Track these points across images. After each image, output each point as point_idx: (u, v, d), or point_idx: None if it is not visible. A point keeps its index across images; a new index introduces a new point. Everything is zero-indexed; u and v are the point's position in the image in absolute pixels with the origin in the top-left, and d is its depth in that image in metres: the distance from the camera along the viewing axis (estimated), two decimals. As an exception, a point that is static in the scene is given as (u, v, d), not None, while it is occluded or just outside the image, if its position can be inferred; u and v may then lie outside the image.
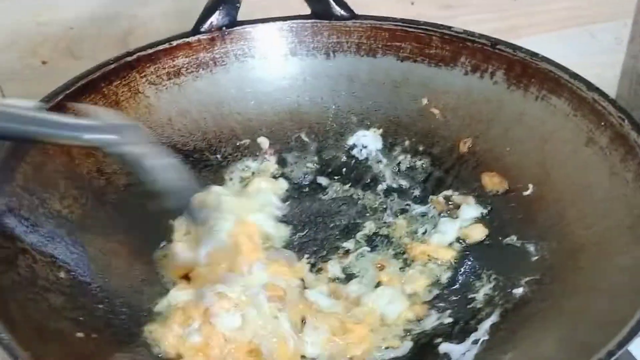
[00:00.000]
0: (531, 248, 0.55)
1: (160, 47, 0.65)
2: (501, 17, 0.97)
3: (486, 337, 0.49)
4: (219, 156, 0.67)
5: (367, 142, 0.68)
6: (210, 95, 0.68)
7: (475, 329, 0.50)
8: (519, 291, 0.52)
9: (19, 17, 0.76)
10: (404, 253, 0.59)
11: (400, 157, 0.67)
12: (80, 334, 0.44)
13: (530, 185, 0.59)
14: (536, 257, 0.54)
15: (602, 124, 0.55)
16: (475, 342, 0.48)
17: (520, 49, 0.64)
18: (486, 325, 0.49)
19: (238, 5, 0.68)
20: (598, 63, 1.03)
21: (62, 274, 0.48)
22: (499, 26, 0.93)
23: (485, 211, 0.61)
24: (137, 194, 0.59)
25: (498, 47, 0.64)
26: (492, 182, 0.62)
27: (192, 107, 0.67)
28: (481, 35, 0.66)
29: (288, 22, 0.70)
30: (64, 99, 0.58)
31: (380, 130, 0.69)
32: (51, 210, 0.52)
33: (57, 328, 0.43)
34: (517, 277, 0.53)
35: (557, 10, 0.98)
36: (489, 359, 0.47)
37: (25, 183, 0.51)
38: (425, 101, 0.68)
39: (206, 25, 0.68)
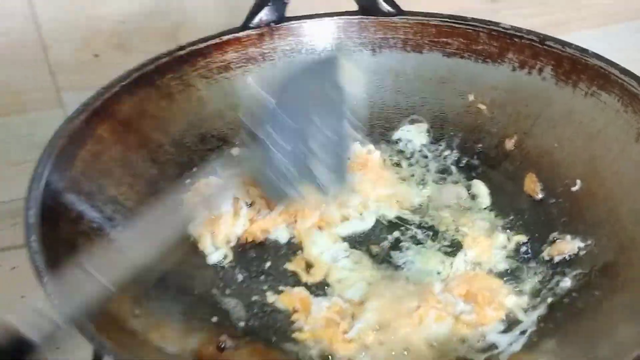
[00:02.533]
0: (580, 243, 0.54)
1: (211, 42, 0.67)
2: (546, 11, 0.96)
3: (533, 329, 0.49)
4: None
5: (412, 137, 0.68)
6: (259, 89, 0.68)
7: (523, 320, 0.49)
8: (566, 284, 0.51)
9: (73, 10, 0.79)
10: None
11: (446, 153, 0.67)
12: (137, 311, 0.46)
13: (578, 181, 0.58)
14: (584, 252, 0.53)
15: (654, 120, 0.55)
16: (523, 332, 0.48)
17: (569, 45, 0.63)
18: (533, 316, 0.49)
19: (286, 1, 0.69)
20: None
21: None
22: (543, 21, 0.93)
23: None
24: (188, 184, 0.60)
25: (547, 43, 0.64)
26: (530, 187, 0.61)
27: (241, 101, 0.67)
28: (529, 32, 0.66)
29: (335, 18, 0.71)
30: (119, 91, 0.59)
31: (426, 126, 0.69)
32: (108, 195, 0.54)
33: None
34: (565, 270, 0.53)
35: (603, 5, 0.97)
36: (536, 351, 0.47)
37: (84, 169, 0.53)
38: (471, 97, 0.68)
39: (255, 21, 0.69)
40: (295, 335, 0.50)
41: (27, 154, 0.86)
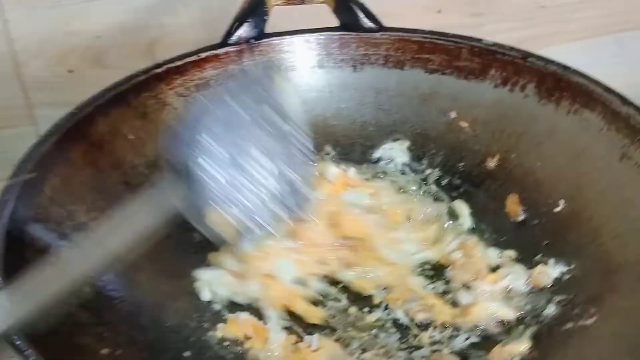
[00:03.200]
0: (562, 267, 0.53)
1: (189, 59, 0.65)
2: (529, 24, 0.96)
3: (517, 359, 0.48)
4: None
5: (393, 155, 0.67)
6: (238, 107, 0.67)
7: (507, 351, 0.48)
8: (550, 311, 0.50)
9: (49, 26, 0.77)
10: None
11: (428, 171, 0.66)
12: (104, 351, 0.44)
13: (562, 202, 0.57)
14: (568, 277, 0.52)
15: (638, 139, 0.54)
16: (508, 362, 0.47)
17: (552, 62, 0.63)
18: (519, 347, 0.48)
19: (266, 17, 0.68)
20: (626, 73, 1.01)
21: (86, 289, 0.48)
22: (527, 34, 0.92)
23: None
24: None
25: (529, 59, 0.64)
26: (513, 208, 0.60)
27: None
28: (511, 48, 0.65)
29: (316, 34, 0.70)
30: (93, 111, 0.57)
31: (408, 144, 0.68)
32: (78, 222, 0.52)
33: (82, 343, 0.43)
34: (547, 296, 0.52)
35: (586, 18, 0.97)
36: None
37: (53, 195, 0.51)
38: (454, 114, 0.67)
39: (234, 37, 0.67)
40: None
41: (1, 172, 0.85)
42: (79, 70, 0.80)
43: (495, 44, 0.66)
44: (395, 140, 0.69)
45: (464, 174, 0.65)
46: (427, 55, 0.68)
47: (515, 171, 0.62)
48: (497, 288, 0.52)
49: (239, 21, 0.68)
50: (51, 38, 0.77)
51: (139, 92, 0.62)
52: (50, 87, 0.80)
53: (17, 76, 0.78)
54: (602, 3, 0.96)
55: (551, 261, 0.54)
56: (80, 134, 0.56)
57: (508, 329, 0.50)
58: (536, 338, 0.49)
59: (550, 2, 0.95)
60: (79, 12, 0.77)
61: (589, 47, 0.98)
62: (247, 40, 0.68)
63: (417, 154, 0.68)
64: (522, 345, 0.48)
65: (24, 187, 0.49)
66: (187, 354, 0.48)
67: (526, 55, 0.64)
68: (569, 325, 0.48)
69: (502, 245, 0.58)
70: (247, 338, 0.49)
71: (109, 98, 0.59)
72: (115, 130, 0.59)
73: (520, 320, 0.51)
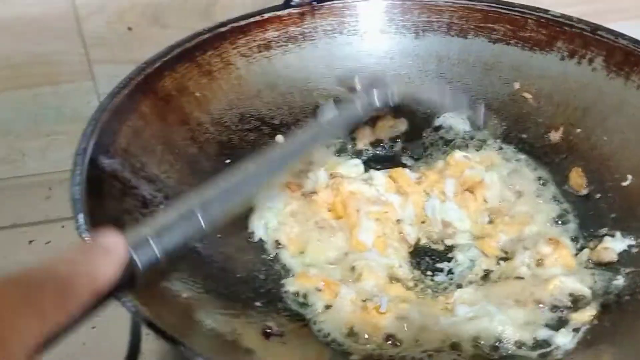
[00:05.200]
0: (630, 241, 0.53)
1: (252, 20, 0.65)
2: (586, 0, 0.94)
3: (586, 327, 0.47)
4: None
5: (454, 123, 0.67)
6: (298, 70, 0.67)
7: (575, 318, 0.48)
8: (619, 283, 0.50)
9: (110, -18, 0.77)
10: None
11: (490, 141, 0.65)
12: (184, 294, 0.45)
13: (629, 176, 0.57)
14: (636, 250, 0.52)
15: None
16: (576, 330, 0.47)
17: (622, 35, 0.61)
18: (585, 315, 0.48)
19: (330, -21, 0.67)
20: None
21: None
22: (583, 10, 0.90)
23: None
24: (227, 163, 0.59)
25: (598, 32, 0.63)
26: (577, 181, 0.59)
27: (280, 81, 0.66)
28: (580, 20, 0.64)
29: (379, -1, 0.69)
30: (161, 66, 0.58)
31: (470, 112, 0.67)
32: (150, 174, 0.53)
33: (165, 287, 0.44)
34: (617, 268, 0.51)
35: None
36: (590, 349, 0.45)
37: (127, 145, 0.52)
38: (517, 85, 0.66)
39: (296, 0, 0.67)
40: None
41: (57, 126, 0.86)
42: (138, 28, 0.81)
43: (562, 16, 0.65)
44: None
45: (527, 144, 0.64)
46: (492, 25, 0.68)
47: (579, 145, 0.62)
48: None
49: (302, -17, 0.67)
50: (112, -6, 0.77)
51: (205, 50, 0.62)
52: (109, 43, 0.81)
53: (77, 32, 0.79)
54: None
55: (618, 234, 0.53)
56: (150, 88, 0.57)
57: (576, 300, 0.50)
58: (605, 308, 0.48)
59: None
60: (139, -32, 0.77)
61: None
62: (309, 3, 0.67)
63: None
64: (589, 313, 0.47)
65: (100, 136, 0.49)
66: (257, 303, 0.49)
67: (595, 27, 0.63)
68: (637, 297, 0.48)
69: (566, 218, 0.57)
70: (318, 290, 0.50)
71: (175, 54, 0.59)
72: (181, 86, 0.59)
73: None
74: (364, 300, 0.49)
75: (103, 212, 0.44)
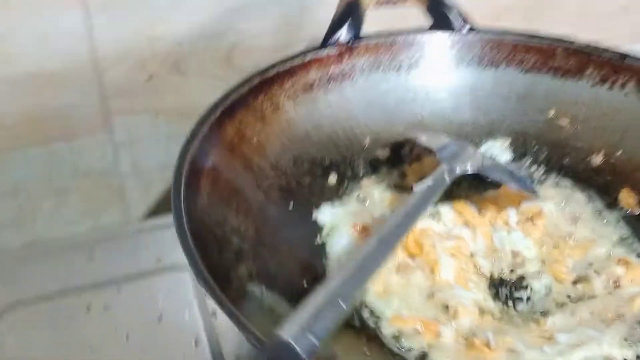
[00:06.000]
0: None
1: (296, 62, 0.65)
2: (577, 32, 0.99)
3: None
4: (354, 169, 0.67)
5: (495, 153, 0.69)
6: (340, 109, 0.68)
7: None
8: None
9: (133, 31, 0.76)
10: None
11: (532, 169, 0.67)
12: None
13: (680, 193, 0.59)
14: None
15: None
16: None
17: (651, 60, 0.65)
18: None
19: (361, 20, 0.69)
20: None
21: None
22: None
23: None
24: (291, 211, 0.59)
25: (627, 59, 0.66)
26: (628, 201, 0.62)
27: (325, 121, 0.67)
28: (606, 49, 0.67)
29: (411, 34, 0.71)
30: (222, 115, 0.57)
31: (508, 141, 0.69)
32: (232, 226, 0.52)
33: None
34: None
35: (630, 24, 1.00)
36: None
37: (209, 200, 0.51)
38: (552, 112, 0.69)
39: (333, 40, 0.68)
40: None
41: (71, 182, 0.83)
42: (158, 76, 0.80)
43: (589, 45, 0.68)
44: (496, 139, 0.70)
45: (570, 169, 0.66)
46: (522, 55, 0.70)
47: (622, 166, 0.64)
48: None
49: (337, 24, 0.68)
50: (134, 44, 0.76)
51: (256, 95, 0.62)
52: (129, 93, 0.79)
53: (97, 83, 0.77)
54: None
55: (682, 249, 0.56)
56: (216, 138, 0.56)
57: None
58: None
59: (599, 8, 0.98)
60: (162, 17, 0.76)
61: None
62: (346, 43, 0.68)
63: (520, 151, 0.69)
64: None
65: (186, 192, 0.48)
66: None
67: (624, 55, 0.66)
68: None
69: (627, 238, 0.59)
70: (417, 332, 0.50)
71: (232, 101, 0.59)
72: (241, 133, 0.59)
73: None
74: (466, 339, 0.50)
75: (212, 270, 0.43)
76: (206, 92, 0.81)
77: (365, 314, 0.53)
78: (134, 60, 0.77)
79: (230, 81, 0.82)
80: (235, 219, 0.53)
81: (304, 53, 0.67)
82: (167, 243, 0.68)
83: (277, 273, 0.53)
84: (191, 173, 0.50)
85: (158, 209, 0.89)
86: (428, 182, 0.53)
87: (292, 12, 0.82)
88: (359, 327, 0.51)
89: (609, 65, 0.67)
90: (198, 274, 0.42)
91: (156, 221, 0.75)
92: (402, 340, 0.50)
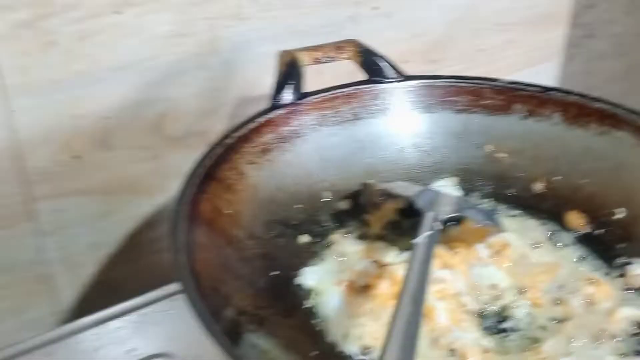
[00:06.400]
0: (651, 266, 0.61)
1: (250, 126, 0.65)
2: (471, 66, 1.07)
3: None
4: (321, 225, 0.67)
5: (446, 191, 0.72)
6: (299, 167, 0.68)
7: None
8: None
9: (55, 111, 0.71)
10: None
11: (483, 201, 0.71)
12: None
13: (620, 209, 0.66)
14: (663, 271, 0.60)
15: (673, 147, 0.64)
16: None
17: (571, 92, 0.72)
18: None
19: (302, 77, 0.70)
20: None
21: None
22: (470, 74, 1.03)
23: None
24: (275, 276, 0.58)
25: (549, 92, 0.72)
26: (576, 222, 0.67)
27: (287, 181, 0.67)
28: (529, 84, 0.73)
29: (350, 88, 0.73)
30: (196, 192, 0.55)
31: (455, 179, 0.73)
32: (235, 305, 0.50)
33: None
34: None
35: (509, 57, 1.11)
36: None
37: (208, 282, 0.49)
38: (490, 147, 0.73)
39: (278, 100, 0.68)
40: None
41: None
42: (85, 155, 0.75)
43: (513, 82, 0.74)
44: (442, 178, 0.73)
45: (517, 199, 0.71)
46: (453, 98, 0.75)
47: (563, 190, 0.70)
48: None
49: (281, 85, 0.69)
50: (57, 124, 0.72)
51: (220, 165, 0.60)
52: (54, 177, 0.74)
53: (18, 170, 0.71)
54: (519, 43, 1.10)
55: (636, 260, 0.62)
56: (196, 217, 0.53)
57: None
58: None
59: (485, 46, 1.07)
60: (85, 94, 0.73)
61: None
62: (292, 102, 0.69)
63: (467, 187, 0.73)
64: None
65: (192, 278, 0.46)
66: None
67: (546, 89, 0.73)
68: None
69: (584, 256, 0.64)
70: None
71: (202, 175, 0.57)
72: (215, 207, 0.57)
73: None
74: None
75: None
76: (134, 165, 0.78)
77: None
78: (58, 141, 0.72)
79: (160, 150, 0.79)
80: (234, 297, 0.51)
81: (255, 116, 0.66)
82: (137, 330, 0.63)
83: (287, 345, 0.51)
84: (188, 258, 0.47)
85: (93, 298, 0.83)
86: (425, 232, 0.54)
87: (216, 75, 0.81)
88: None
89: (534, 98, 0.72)
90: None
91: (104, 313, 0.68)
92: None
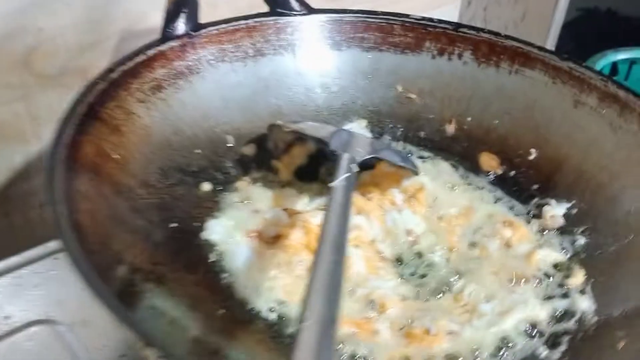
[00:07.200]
0: (565, 204, 0.60)
1: (138, 59, 0.57)
2: (374, 6, 1.02)
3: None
4: (225, 172, 0.60)
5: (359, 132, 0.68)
6: (195, 108, 0.61)
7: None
8: (581, 242, 0.57)
9: None
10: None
11: (393, 144, 0.68)
12: None
13: (533, 150, 0.64)
14: (575, 211, 0.60)
15: (586, 87, 0.63)
16: (582, 292, 0.53)
17: (482, 29, 0.69)
18: (579, 277, 0.54)
19: (197, 6, 0.62)
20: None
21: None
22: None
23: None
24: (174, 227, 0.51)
25: (460, 29, 0.69)
26: (490, 164, 0.65)
27: (183, 123, 0.59)
28: (441, 21, 0.70)
29: (250, 20, 0.66)
30: (76, 131, 0.47)
31: (365, 122, 0.69)
32: (129, 264, 0.43)
33: None
34: (570, 230, 0.58)
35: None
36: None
37: (94, 238, 0.41)
38: (400, 88, 0.69)
39: (171, 31, 0.60)
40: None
41: None
42: None
43: (424, 18, 0.70)
44: (352, 120, 0.69)
45: (428, 141, 0.68)
46: (362, 34, 0.70)
47: (475, 132, 0.67)
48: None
49: (173, 14, 0.61)
50: None
51: (104, 103, 0.52)
52: None
53: None
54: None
55: (552, 202, 0.60)
56: (76, 162, 0.45)
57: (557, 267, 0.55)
58: (586, 266, 0.55)
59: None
60: None
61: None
62: (186, 34, 0.61)
63: (377, 130, 0.69)
64: (581, 274, 0.53)
65: (75, 233, 0.38)
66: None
67: (457, 26, 0.69)
68: (611, 248, 0.55)
69: (498, 197, 0.62)
70: (353, 335, 0.46)
71: (82, 113, 0.49)
72: (100, 150, 0.49)
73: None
74: (401, 329, 0.48)
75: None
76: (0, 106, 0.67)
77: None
78: None
79: (30, 90, 0.69)
80: (127, 254, 0.43)
81: (144, 48, 0.58)
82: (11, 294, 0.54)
83: (191, 305, 0.45)
84: (69, 210, 0.40)
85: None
86: (341, 175, 0.49)
87: (97, 4, 0.71)
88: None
89: (444, 36, 0.69)
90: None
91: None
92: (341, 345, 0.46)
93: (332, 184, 0.48)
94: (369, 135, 0.68)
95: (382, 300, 0.50)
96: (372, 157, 0.57)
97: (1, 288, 0.54)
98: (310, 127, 0.60)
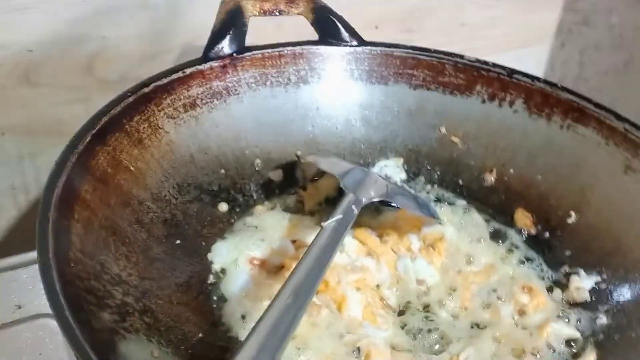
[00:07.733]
0: (595, 277, 0.55)
1: (175, 76, 0.58)
2: (451, 41, 1.00)
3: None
4: (246, 194, 0.61)
5: (389, 172, 0.66)
6: (228, 128, 0.62)
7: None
8: (603, 322, 0.52)
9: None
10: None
11: (428, 187, 0.65)
12: None
13: (573, 213, 0.60)
14: (605, 287, 0.55)
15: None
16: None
17: (538, 79, 0.65)
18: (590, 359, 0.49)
19: (245, 29, 0.63)
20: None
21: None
22: (449, 49, 0.96)
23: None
24: (178, 244, 0.52)
25: (514, 76, 0.65)
26: (524, 222, 0.62)
27: (212, 142, 0.60)
28: (495, 65, 0.67)
29: (297, 47, 0.66)
30: (92, 140, 0.49)
31: (402, 160, 0.67)
32: (112, 275, 0.44)
33: None
34: (595, 307, 0.53)
35: (494, 36, 1.03)
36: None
37: (81, 245, 0.42)
38: (444, 130, 0.67)
39: (215, 52, 0.61)
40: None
41: None
42: (4, 89, 0.68)
43: (477, 60, 0.67)
44: (389, 157, 0.67)
45: (464, 189, 0.65)
46: (411, 71, 0.68)
47: (515, 185, 0.64)
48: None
49: (218, 34, 0.62)
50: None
51: (131, 116, 0.54)
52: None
53: None
54: (505, 21, 1.03)
55: (582, 272, 0.56)
56: (86, 170, 0.47)
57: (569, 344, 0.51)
58: (601, 349, 0.50)
59: (468, 20, 1.00)
60: (7, 23, 0.65)
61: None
62: (229, 55, 0.62)
63: (413, 170, 0.67)
64: (592, 357, 0.49)
65: (56, 242, 0.40)
66: None
67: (511, 71, 0.66)
68: (633, 334, 0.50)
69: (526, 259, 0.59)
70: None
71: (104, 124, 0.50)
72: (115, 161, 0.51)
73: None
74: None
75: (91, 336, 0.35)
76: (61, 106, 0.72)
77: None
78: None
79: (91, 93, 0.73)
80: (115, 265, 0.45)
81: (183, 66, 0.59)
82: (26, 285, 0.57)
83: (169, 325, 0.45)
84: (59, 216, 0.41)
85: (12, 243, 0.77)
86: (337, 216, 0.48)
87: (161, 17, 0.74)
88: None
89: (497, 81, 0.66)
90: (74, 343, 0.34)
91: (12, 260, 0.62)
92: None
93: (323, 224, 0.47)
94: (404, 175, 0.66)
95: (369, 350, 0.48)
96: (381, 201, 0.55)
97: (17, 279, 0.57)
98: (327, 162, 0.60)
